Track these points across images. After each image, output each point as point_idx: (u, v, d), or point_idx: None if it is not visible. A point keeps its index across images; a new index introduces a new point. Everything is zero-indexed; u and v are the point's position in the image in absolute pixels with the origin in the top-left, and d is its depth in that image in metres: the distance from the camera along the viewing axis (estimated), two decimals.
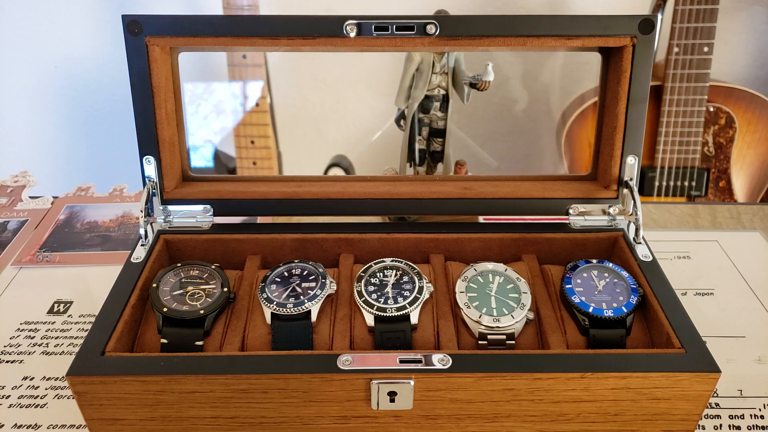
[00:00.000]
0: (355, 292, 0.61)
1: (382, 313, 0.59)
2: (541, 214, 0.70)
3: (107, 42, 1.59)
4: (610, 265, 0.64)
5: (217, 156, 1.51)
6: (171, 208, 0.70)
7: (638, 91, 0.66)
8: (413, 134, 0.81)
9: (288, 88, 1.62)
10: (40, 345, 0.71)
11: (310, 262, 0.65)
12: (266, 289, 0.61)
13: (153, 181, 0.68)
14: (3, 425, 0.62)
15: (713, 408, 0.63)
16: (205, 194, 0.69)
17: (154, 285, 0.61)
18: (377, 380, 0.52)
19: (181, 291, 0.61)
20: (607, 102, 0.68)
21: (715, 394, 0.64)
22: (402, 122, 0.81)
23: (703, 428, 0.61)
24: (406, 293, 0.61)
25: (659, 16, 1.36)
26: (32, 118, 1.67)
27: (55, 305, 0.77)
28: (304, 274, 0.63)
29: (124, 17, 0.63)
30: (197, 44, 0.65)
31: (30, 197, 0.97)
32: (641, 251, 0.66)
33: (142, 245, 0.66)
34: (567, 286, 0.62)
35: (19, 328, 0.73)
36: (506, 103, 1.63)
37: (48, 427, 0.62)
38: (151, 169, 0.68)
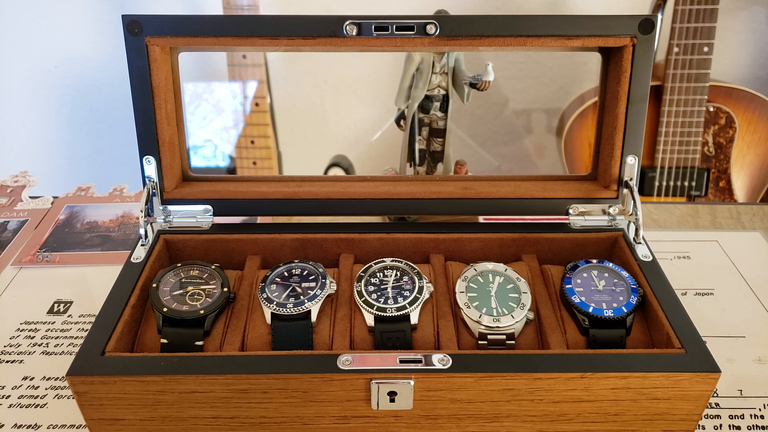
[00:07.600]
0: (355, 292, 0.61)
1: (382, 313, 0.59)
2: (541, 214, 0.70)
3: (107, 42, 1.59)
4: (610, 265, 0.64)
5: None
6: (171, 208, 0.70)
7: (638, 91, 0.66)
8: (413, 134, 0.81)
9: (288, 88, 1.62)
10: (40, 345, 0.71)
11: (310, 262, 0.65)
12: (266, 289, 0.61)
13: (153, 181, 0.68)
14: (3, 425, 0.62)
15: (713, 408, 0.63)
16: (205, 194, 0.69)
17: (154, 285, 0.61)
18: (377, 380, 0.52)
19: (181, 291, 0.61)
20: (607, 102, 0.68)
21: (715, 394, 0.64)
22: (402, 122, 0.81)
23: (703, 428, 0.61)
24: (406, 293, 0.61)
25: (659, 16, 1.36)
26: (32, 118, 1.67)
27: (55, 305, 0.77)
28: (304, 274, 0.63)
29: (124, 17, 0.63)
30: (197, 44, 0.65)
31: (30, 197, 0.97)
32: (641, 251, 0.65)
33: (142, 245, 0.66)
34: (567, 286, 0.62)
35: (19, 328, 0.73)
36: (506, 103, 1.63)
37: (48, 427, 0.62)
38: (151, 169, 0.68)
